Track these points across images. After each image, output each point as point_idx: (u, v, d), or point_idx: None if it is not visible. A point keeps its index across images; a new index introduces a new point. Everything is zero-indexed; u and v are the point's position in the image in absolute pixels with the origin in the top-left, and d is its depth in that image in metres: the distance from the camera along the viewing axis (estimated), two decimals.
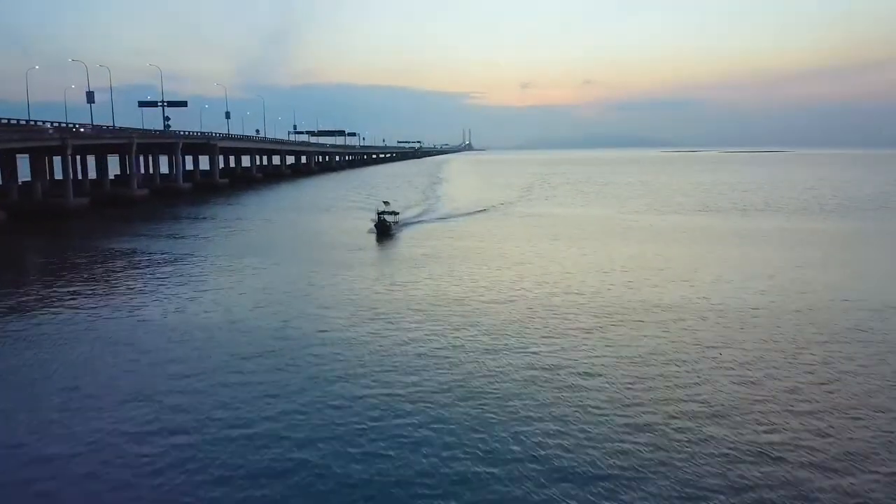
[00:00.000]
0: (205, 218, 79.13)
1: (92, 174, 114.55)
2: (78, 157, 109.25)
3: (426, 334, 29.03)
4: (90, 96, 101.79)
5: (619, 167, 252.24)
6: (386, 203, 68.03)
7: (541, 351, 26.59)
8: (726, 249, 52.03)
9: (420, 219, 72.91)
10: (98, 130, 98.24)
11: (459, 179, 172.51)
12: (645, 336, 28.57)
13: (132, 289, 39.47)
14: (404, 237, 59.81)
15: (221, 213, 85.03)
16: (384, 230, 59.50)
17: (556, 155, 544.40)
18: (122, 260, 49.88)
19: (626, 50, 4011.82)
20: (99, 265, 48.21)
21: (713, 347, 27.03)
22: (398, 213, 65.63)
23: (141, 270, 45.39)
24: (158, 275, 43.48)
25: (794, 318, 31.42)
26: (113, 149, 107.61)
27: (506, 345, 27.47)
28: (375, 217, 62.15)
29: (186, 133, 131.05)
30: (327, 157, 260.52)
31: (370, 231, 60.70)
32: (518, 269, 43.58)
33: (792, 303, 34.28)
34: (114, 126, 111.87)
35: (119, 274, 44.59)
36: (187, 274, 43.65)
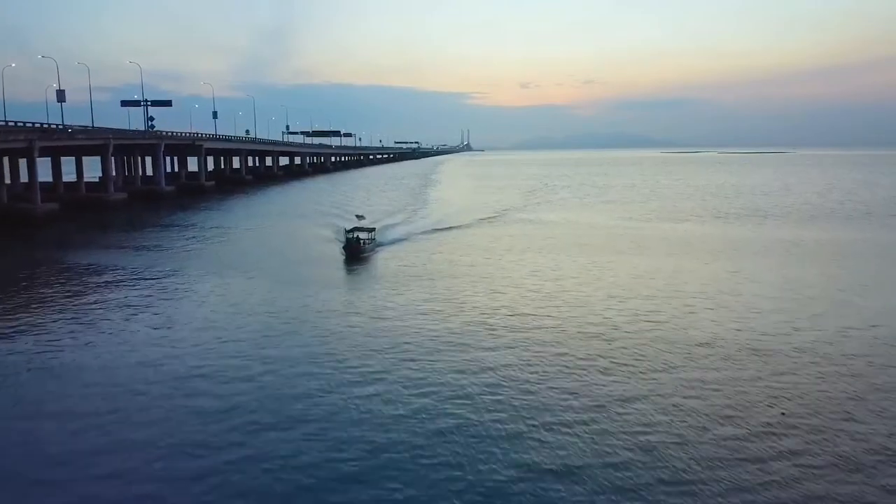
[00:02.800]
0: (179, 225, 73.50)
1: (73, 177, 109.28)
2: (50, 160, 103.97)
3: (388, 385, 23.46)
4: (61, 95, 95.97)
5: (619, 168, 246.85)
6: (359, 217, 57.48)
7: (548, 406, 21.00)
8: (751, 265, 46.25)
9: (402, 233, 61.88)
10: (70, 131, 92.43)
11: (454, 182, 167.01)
12: (682, 385, 22.97)
13: (67, 316, 33.76)
14: (380, 259, 49.09)
15: (199, 219, 79.33)
16: (354, 252, 48.66)
17: (556, 155, 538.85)
18: (71, 277, 44.17)
19: (626, 50, 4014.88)
20: (41, 283, 42.62)
21: (772, 403, 21.44)
22: (374, 230, 54.39)
23: (86, 291, 39.71)
24: (105, 298, 37.83)
25: (861, 359, 25.85)
26: (89, 150, 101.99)
27: (504, 405, 21.89)
28: (344, 237, 50.93)
29: (170, 133, 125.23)
30: (321, 159, 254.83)
31: (340, 253, 49.84)
32: (517, 295, 37.83)
33: (853, 338, 28.71)
34: (92, 126, 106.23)
35: (61, 296, 38.81)
36: (136, 299, 37.95)
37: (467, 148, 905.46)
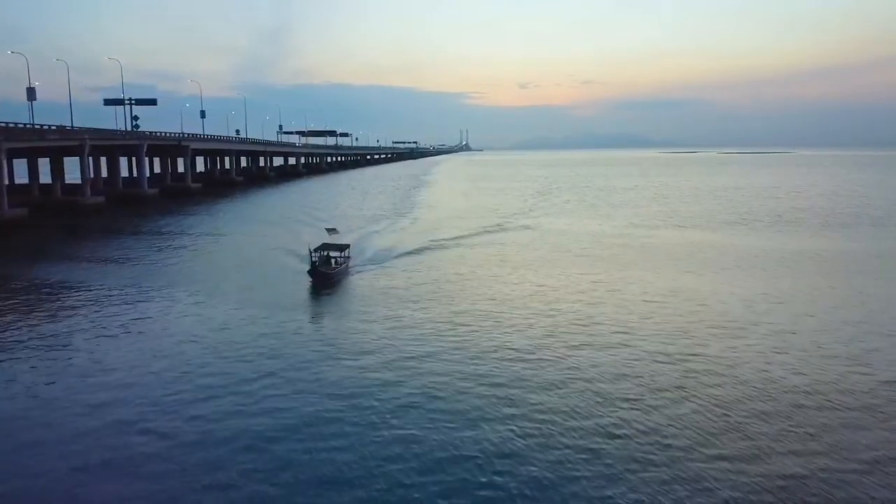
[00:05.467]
0: (153, 233, 68.37)
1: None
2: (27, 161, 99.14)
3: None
4: (31, 93, 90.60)
5: (620, 169, 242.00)
6: (330, 231, 47.92)
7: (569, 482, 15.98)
8: (781, 282, 40.97)
9: (387, 247, 54.15)
10: (41, 131, 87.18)
11: (451, 184, 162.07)
12: (733, 461, 17.93)
13: None
14: (355, 283, 40.83)
15: (176, 226, 74.14)
16: (323, 278, 39.75)
17: (555, 156, 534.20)
18: (7, 297, 38.98)
19: (625, 50, 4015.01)
20: None
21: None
22: (348, 247, 45.63)
23: (16, 315, 34.54)
24: (37, 326, 32.75)
25: None
26: (65, 151, 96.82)
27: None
28: (310, 257, 41.46)
29: (153, 133, 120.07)
30: (317, 159, 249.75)
31: (307, 277, 40.41)
32: (518, 328, 32.46)
33: None
34: (71, 126, 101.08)
35: None
36: (73, 328, 32.91)
37: (466, 148, 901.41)
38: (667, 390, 23.03)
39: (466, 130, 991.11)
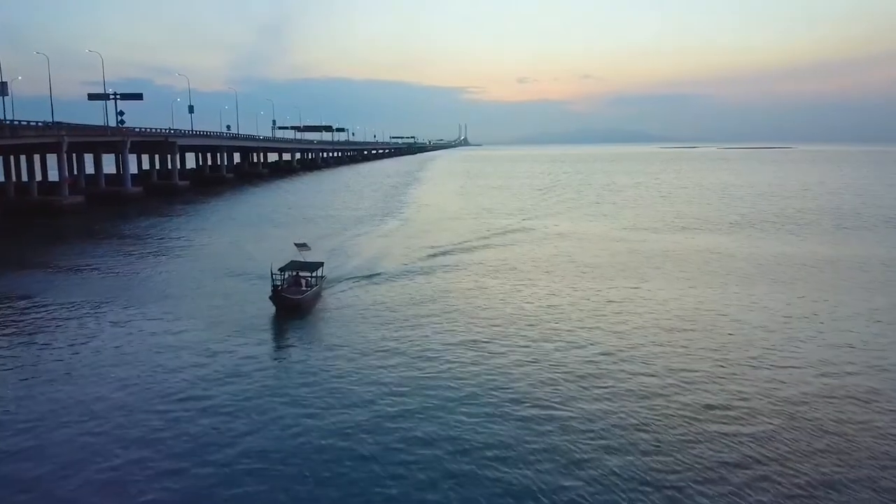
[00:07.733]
0: (129, 236, 63.88)
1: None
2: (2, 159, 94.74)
3: None
4: (3, 87, 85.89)
5: (620, 165, 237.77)
6: (300, 246, 40.14)
7: None
8: (816, 295, 36.82)
9: (371, 257, 48.84)
10: (15, 127, 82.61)
11: (447, 182, 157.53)
12: None
13: None
14: (330, 308, 34.91)
15: (151, 228, 69.47)
16: (288, 303, 33.38)
17: (554, 151, 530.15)
18: None
19: (624, 45, 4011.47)
20: None
21: None
22: (321, 265, 38.38)
23: None
24: None
25: None
26: (42, 148, 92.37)
27: None
28: (272, 279, 34.38)
29: (138, 129, 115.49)
30: (312, 155, 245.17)
31: (270, 297, 33.44)
32: (522, 372, 28.07)
33: None
34: (52, 122, 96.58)
35: None
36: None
37: (464, 143, 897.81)
38: (695, 439, 18.90)
39: (465, 125, 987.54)
